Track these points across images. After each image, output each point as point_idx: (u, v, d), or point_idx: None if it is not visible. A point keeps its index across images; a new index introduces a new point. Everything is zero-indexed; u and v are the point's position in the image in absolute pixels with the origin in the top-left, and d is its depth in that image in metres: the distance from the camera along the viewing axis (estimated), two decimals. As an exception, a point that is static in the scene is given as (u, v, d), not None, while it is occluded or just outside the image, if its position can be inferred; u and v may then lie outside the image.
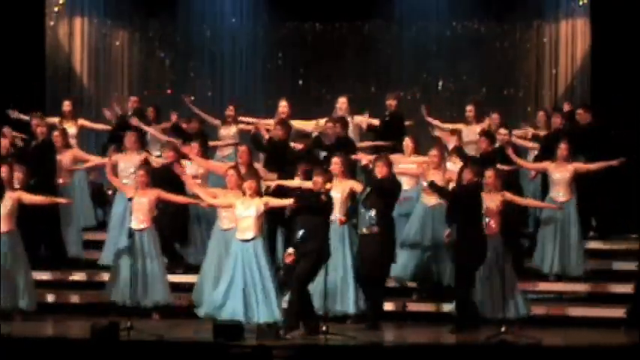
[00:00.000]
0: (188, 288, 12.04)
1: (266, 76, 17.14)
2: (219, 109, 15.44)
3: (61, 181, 13.15)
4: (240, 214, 10.96)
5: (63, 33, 16.55)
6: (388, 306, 11.98)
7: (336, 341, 10.43)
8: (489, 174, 11.60)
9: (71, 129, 13.95)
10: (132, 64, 17.23)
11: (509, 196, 11.66)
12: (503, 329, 10.74)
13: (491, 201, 11.48)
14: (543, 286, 12.51)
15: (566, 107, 14.48)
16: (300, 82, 17.22)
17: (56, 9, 16.30)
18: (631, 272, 12.44)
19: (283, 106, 13.90)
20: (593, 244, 13.35)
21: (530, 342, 10.41)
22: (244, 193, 11.02)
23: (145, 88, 17.11)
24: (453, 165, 12.39)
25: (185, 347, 9.97)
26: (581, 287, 12.58)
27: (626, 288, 12.17)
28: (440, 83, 17.03)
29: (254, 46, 17.13)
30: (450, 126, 14.18)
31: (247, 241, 10.87)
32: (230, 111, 14.42)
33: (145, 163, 12.43)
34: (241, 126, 14.26)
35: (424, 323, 11.69)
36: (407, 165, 12.48)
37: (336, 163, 11.70)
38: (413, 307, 12.07)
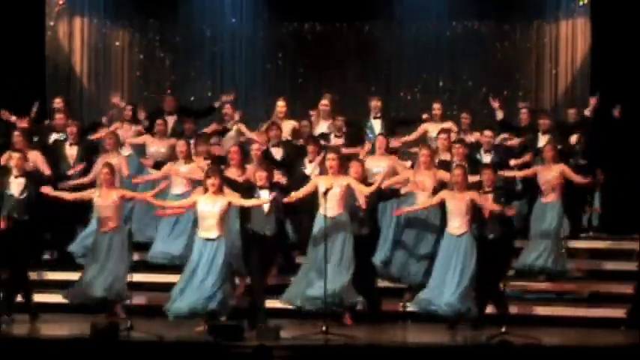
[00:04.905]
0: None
1: (266, 76, 17.13)
2: (218, 109, 15.43)
3: None
4: (203, 211, 11.08)
5: (63, 33, 16.53)
6: (388, 306, 12.01)
7: (336, 341, 10.43)
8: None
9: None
10: (132, 64, 17.22)
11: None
12: (503, 329, 10.75)
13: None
14: (543, 286, 12.50)
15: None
16: (300, 81, 17.21)
17: (56, 9, 16.29)
18: (631, 272, 12.45)
19: (281, 106, 13.95)
20: (594, 244, 13.37)
21: (530, 342, 10.41)
22: (206, 190, 11.20)
23: (145, 89, 17.12)
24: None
25: (185, 347, 9.97)
26: (581, 287, 12.58)
27: (626, 288, 12.17)
28: (440, 83, 17.02)
29: (254, 46, 17.12)
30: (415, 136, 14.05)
31: (211, 240, 11.05)
32: (227, 109, 14.41)
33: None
34: (240, 125, 14.25)
35: (424, 323, 11.69)
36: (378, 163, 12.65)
37: (333, 159, 11.73)
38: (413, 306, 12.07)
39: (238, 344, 10.03)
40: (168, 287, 12.05)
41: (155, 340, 10.32)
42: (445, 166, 12.40)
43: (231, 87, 16.57)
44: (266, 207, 11.46)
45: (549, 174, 12.51)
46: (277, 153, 13.26)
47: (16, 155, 12.34)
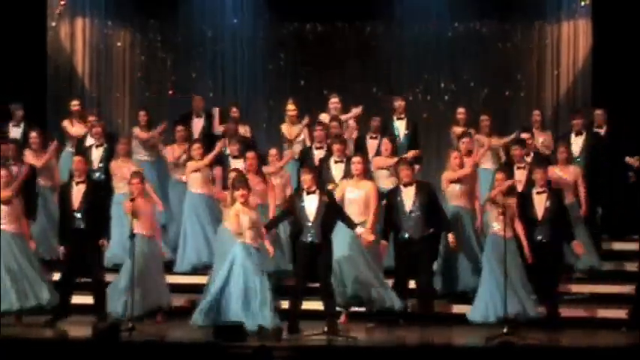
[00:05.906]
0: (188, 289, 12.06)
1: (267, 76, 17.13)
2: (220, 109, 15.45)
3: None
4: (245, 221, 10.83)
5: (64, 34, 16.53)
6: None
7: (337, 341, 10.44)
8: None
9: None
10: (133, 65, 17.21)
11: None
12: (504, 330, 10.75)
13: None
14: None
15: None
16: (302, 82, 17.21)
17: (57, 10, 16.29)
18: (632, 273, 12.45)
19: (292, 110, 13.88)
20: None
21: (531, 342, 10.41)
22: (233, 202, 10.88)
23: (146, 89, 17.12)
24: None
25: (186, 348, 9.96)
26: (581, 288, 12.58)
27: (627, 289, 12.17)
28: (441, 84, 17.01)
29: (255, 47, 17.11)
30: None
31: (251, 246, 10.83)
32: (234, 112, 14.41)
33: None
34: (247, 127, 14.27)
35: (424, 323, 11.69)
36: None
37: (359, 162, 11.68)
38: (413, 307, 12.06)
39: (238, 345, 10.04)
40: (170, 288, 12.11)
41: (156, 341, 10.33)
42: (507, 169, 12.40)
43: (232, 88, 16.68)
44: (311, 215, 10.96)
45: (567, 175, 12.65)
46: (320, 154, 13.07)
47: (77, 158, 12.09)
